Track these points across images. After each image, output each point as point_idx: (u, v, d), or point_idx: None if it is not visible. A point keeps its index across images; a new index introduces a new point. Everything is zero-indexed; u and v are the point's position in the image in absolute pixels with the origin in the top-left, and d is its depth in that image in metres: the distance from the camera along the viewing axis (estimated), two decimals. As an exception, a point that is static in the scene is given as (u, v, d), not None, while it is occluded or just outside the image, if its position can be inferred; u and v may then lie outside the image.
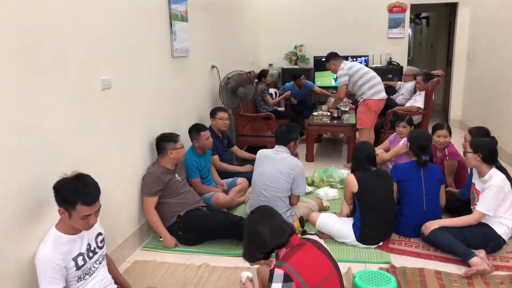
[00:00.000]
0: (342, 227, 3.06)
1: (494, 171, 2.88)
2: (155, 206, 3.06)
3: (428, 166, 3.15)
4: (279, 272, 1.82)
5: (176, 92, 3.72)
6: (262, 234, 1.93)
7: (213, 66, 4.63)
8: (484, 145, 2.92)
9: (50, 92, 2.14)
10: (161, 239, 3.13)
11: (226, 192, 3.80)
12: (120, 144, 2.83)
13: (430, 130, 3.77)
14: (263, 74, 6.03)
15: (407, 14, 6.85)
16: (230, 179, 3.98)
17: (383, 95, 4.72)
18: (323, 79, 7.00)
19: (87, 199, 1.93)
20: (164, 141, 3.16)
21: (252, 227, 1.98)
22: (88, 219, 1.98)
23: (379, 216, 2.98)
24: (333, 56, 4.89)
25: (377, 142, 5.01)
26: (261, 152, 3.42)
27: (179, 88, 3.77)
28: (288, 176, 3.18)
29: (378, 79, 4.74)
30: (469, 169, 3.46)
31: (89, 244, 2.14)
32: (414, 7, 6.92)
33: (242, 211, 3.67)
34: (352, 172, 3.14)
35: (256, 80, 5.66)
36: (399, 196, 3.19)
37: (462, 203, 3.28)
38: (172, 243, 3.06)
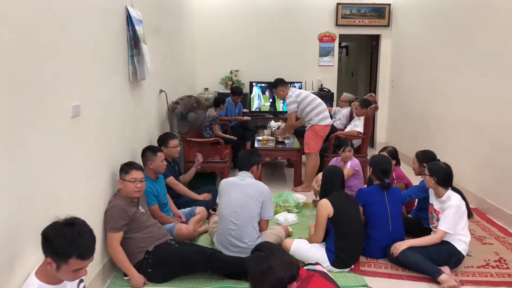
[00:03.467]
0: (315, 251, 3.07)
1: (450, 192, 3.12)
2: (120, 242, 2.82)
3: (391, 189, 3.31)
4: (296, 308, 1.77)
5: (133, 118, 3.51)
6: (276, 270, 1.87)
7: (161, 90, 4.46)
8: (439, 169, 3.15)
9: (22, 118, 1.88)
10: (126, 277, 2.88)
11: (185, 223, 3.62)
12: (86, 175, 2.58)
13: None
14: (220, 101, 5.93)
15: (336, 43, 7.29)
16: (187, 209, 3.82)
17: (329, 121, 4.93)
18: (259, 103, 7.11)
19: (83, 253, 1.69)
20: (121, 168, 2.94)
21: (264, 264, 1.90)
22: (78, 272, 1.74)
23: (352, 239, 3.05)
24: (281, 82, 5.00)
25: (321, 166, 5.18)
26: (225, 181, 3.34)
27: (134, 113, 3.57)
28: (257, 200, 3.14)
29: (324, 105, 4.94)
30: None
31: (72, 293, 1.88)
32: (341, 37, 7.37)
33: (204, 242, 3.52)
34: (321, 196, 3.20)
35: (212, 107, 5.78)
36: (365, 219, 3.30)
37: (417, 223, 3.51)
38: (140, 282, 2.82)
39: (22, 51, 1.86)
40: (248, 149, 3.42)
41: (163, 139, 3.93)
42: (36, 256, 1.94)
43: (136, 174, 2.85)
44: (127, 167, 2.88)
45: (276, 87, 5.05)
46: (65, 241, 1.66)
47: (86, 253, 1.70)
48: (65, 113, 2.28)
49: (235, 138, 5.87)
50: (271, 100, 7.14)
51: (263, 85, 7.07)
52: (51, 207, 2.11)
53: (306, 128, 4.97)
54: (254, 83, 7.08)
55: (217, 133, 5.76)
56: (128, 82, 3.37)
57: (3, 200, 1.74)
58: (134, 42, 3.37)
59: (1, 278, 1.74)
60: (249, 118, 6.57)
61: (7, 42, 1.75)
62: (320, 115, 4.85)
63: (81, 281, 1.98)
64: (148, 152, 3.40)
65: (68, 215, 1.79)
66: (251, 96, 7.11)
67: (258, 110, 7.15)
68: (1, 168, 1.72)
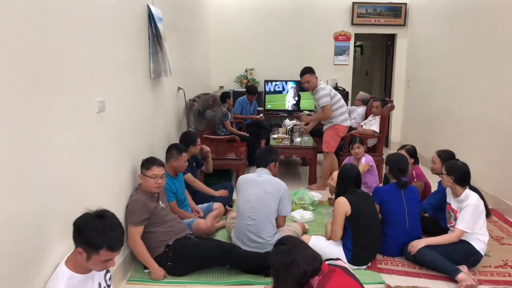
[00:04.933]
0: (333, 248, 3.09)
1: (468, 191, 3.11)
2: (141, 236, 2.87)
3: (408, 187, 3.32)
4: (318, 301, 1.79)
5: (152, 114, 3.57)
6: (300, 264, 1.90)
7: (179, 88, 4.52)
8: (457, 168, 3.15)
9: (49, 114, 1.94)
10: (146, 270, 2.94)
11: (202, 218, 3.67)
12: (109, 169, 2.64)
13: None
14: (226, 96, 5.98)
15: (352, 42, 7.28)
16: (205, 205, 3.87)
17: (349, 122, 4.97)
18: (274, 103, 7.14)
19: (113, 244, 1.76)
20: (142, 164, 2.99)
21: (287, 257, 1.94)
22: (107, 263, 1.80)
23: (370, 236, 3.07)
24: (312, 70, 4.89)
25: (336, 164, 5.19)
26: (243, 177, 3.38)
27: (154, 110, 3.63)
28: (275, 197, 3.16)
29: (346, 106, 4.97)
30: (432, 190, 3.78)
31: (99, 284, 1.94)
32: (356, 36, 7.36)
33: (221, 237, 3.57)
34: (337, 195, 3.21)
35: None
36: (382, 217, 3.31)
37: (434, 222, 3.51)
38: (161, 275, 2.87)
39: (49, 47, 1.91)
40: (266, 147, 3.45)
41: (192, 139, 3.96)
42: (63, 246, 2.00)
43: (157, 170, 2.90)
44: (148, 163, 2.93)
45: (306, 74, 4.83)
46: (96, 233, 1.72)
47: (116, 245, 1.76)
48: (91, 108, 2.34)
49: (248, 134, 5.90)
50: (296, 98, 7.16)
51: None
52: (76, 200, 2.16)
53: (326, 127, 4.97)
54: (269, 82, 7.11)
55: (229, 128, 5.81)
56: (149, 79, 3.43)
57: (32, 192, 1.80)
58: (156, 39, 3.42)
59: (32, 268, 1.79)
60: (263, 116, 6.61)
61: (35, 39, 1.81)
62: (344, 115, 4.88)
63: (107, 271, 2.03)
64: (174, 150, 3.45)
65: (100, 207, 1.84)
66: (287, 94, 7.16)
67: (293, 108, 7.18)
68: (31, 161, 1.78)
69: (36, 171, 1.82)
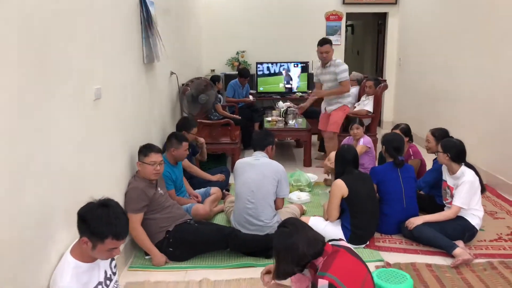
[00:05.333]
0: (331, 229, 3.13)
1: (464, 169, 3.16)
2: (141, 223, 2.88)
3: (404, 166, 3.35)
4: (323, 283, 1.82)
5: (147, 100, 3.54)
6: (300, 246, 1.92)
7: (172, 73, 4.47)
8: (452, 145, 3.18)
9: (49, 104, 1.91)
10: (147, 257, 2.96)
11: (200, 203, 3.69)
12: (107, 157, 2.63)
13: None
14: (216, 79, 5.95)
15: (343, 22, 7.24)
16: (202, 189, 3.88)
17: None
18: (267, 86, 7.11)
19: (119, 233, 1.77)
20: (140, 150, 2.97)
21: (288, 240, 1.95)
22: (112, 252, 1.81)
23: (367, 216, 3.11)
24: (332, 42, 4.80)
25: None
26: (240, 161, 3.38)
27: (149, 96, 3.59)
28: (273, 179, 3.18)
29: None
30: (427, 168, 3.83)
31: (105, 272, 1.95)
32: (348, 15, 7.31)
33: (220, 221, 3.59)
34: (336, 176, 3.24)
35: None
36: (379, 196, 3.35)
37: (430, 200, 3.56)
38: (162, 261, 2.89)
39: (45, 35, 1.87)
40: (263, 130, 3.45)
41: (188, 125, 3.96)
42: (66, 235, 2.00)
43: (155, 157, 2.89)
44: (146, 150, 2.91)
45: (327, 44, 4.69)
46: (101, 222, 1.72)
47: (121, 233, 1.77)
48: (88, 96, 2.31)
49: (239, 117, 5.89)
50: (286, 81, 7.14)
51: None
52: (77, 189, 2.16)
53: (334, 107, 4.93)
54: (260, 64, 7.05)
55: (221, 112, 5.78)
56: (143, 64, 3.39)
57: (35, 181, 1.78)
58: (147, 23, 3.37)
59: (38, 258, 1.79)
60: (255, 99, 6.57)
61: (34, 25, 1.77)
62: (351, 97, 4.87)
63: (112, 259, 2.04)
64: (174, 139, 3.45)
65: (103, 196, 1.84)
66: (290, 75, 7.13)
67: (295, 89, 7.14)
68: (31, 150, 1.76)
69: (39, 161, 1.80)
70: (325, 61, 4.76)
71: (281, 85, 7.12)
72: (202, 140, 4.25)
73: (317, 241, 1.98)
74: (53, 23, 1.93)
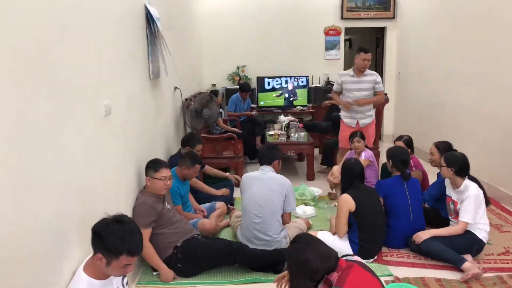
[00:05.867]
0: (340, 243, 3.12)
1: (468, 182, 3.17)
2: (149, 238, 2.86)
3: (410, 179, 3.36)
4: (338, 298, 1.81)
5: (153, 115, 3.55)
6: (312, 261, 1.92)
7: (176, 88, 4.49)
8: (456, 159, 3.19)
9: (61, 119, 1.92)
10: (155, 273, 2.93)
11: (206, 218, 3.68)
12: (116, 173, 2.62)
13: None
14: (214, 93, 5.97)
15: (342, 36, 7.31)
16: (208, 204, 3.87)
17: None
18: (268, 101, 7.14)
19: (134, 250, 1.76)
20: (148, 166, 2.97)
21: (300, 256, 1.95)
22: (127, 268, 1.80)
23: (375, 230, 3.11)
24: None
25: (333, 159, 5.23)
26: (247, 175, 3.39)
27: (154, 111, 3.61)
28: (280, 194, 3.19)
29: None
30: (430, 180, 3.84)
31: (118, 288, 1.93)
32: (346, 30, 7.40)
33: (226, 236, 3.57)
34: (343, 190, 3.24)
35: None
36: (385, 210, 3.35)
37: (435, 213, 3.56)
38: (170, 276, 2.87)
39: (55, 51, 1.88)
40: (269, 144, 3.48)
41: (192, 141, 3.97)
42: (79, 251, 1.99)
43: (165, 172, 2.90)
44: (156, 165, 2.91)
45: (369, 51, 4.52)
46: (117, 238, 1.71)
47: (136, 250, 1.76)
48: (98, 112, 2.32)
49: (241, 131, 5.91)
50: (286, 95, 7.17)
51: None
52: (89, 204, 2.15)
53: (367, 121, 4.70)
54: (261, 78, 7.10)
55: (222, 125, 5.80)
56: (149, 80, 3.40)
57: (49, 198, 1.77)
58: (154, 39, 3.39)
59: (50, 276, 1.77)
60: (256, 112, 6.61)
61: (44, 42, 1.78)
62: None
63: (124, 276, 2.02)
64: (189, 159, 3.46)
65: (118, 212, 1.83)
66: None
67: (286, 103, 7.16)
68: (45, 167, 1.75)
69: (51, 177, 1.79)
70: (363, 69, 4.52)
71: (282, 98, 7.15)
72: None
73: (330, 256, 1.97)
74: (62, 39, 1.94)
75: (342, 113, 4.77)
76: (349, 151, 4.60)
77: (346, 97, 4.63)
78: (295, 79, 7.11)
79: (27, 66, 1.63)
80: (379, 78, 4.61)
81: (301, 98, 7.15)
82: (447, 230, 3.15)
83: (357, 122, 4.67)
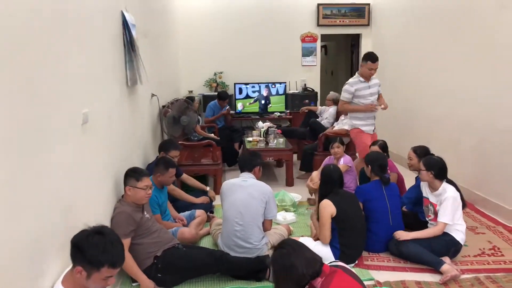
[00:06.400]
0: (321, 249, 3.11)
1: (446, 185, 3.24)
2: (128, 248, 2.80)
3: (389, 184, 3.41)
4: (323, 304, 1.81)
5: (131, 123, 3.50)
6: (298, 267, 1.92)
7: (153, 95, 4.44)
8: (434, 163, 3.26)
9: (41, 129, 1.86)
10: (135, 284, 2.87)
11: (186, 226, 3.63)
12: (95, 182, 2.56)
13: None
14: (190, 99, 5.92)
15: (318, 43, 7.40)
16: (187, 212, 3.82)
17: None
18: (246, 107, 7.14)
19: (115, 261, 1.72)
20: (128, 175, 2.91)
21: (286, 261, 1.95)
22: (107, 280, 1.75)
23: (356, 235, 3.13)
24: None
25: (311, 164, 5.26)
26: (227, 182, 3.36)
27: (132, 118, 3.55)
28: (261, 201, 3.18)
29: None
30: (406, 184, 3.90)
31: (97, 301, 1.87)
32: (323, 37, 7.48)
33: (207, 244, 3.53)
34: (322, 196, 3.25)
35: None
36: (365, 215, 3.38)
37: (413, 217, 3.62)
38: (150, 287, 2.80)
39: (35, 58, 1.83)
40: (250, 151, 3.47)
41: (166, 147, 3.90)
42: (58, 264, 1.92)
43: (147, 181, 2.86)
44: (137, 175, 2.85)
45: (378, 60, 4.37)
46: (98, 250, 1.66)
47: (117, 261, 1.72)
48: (76, 120, 2.26)
49: (219, 138, 5.88)
50: (263, 101, 7.19)
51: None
52: (67, 216, 2.09)
53: (373, 129, 4.70)
54: (238, 85, 7.10)
55: (199, 132, 5.77)
56: (126, 87, 3.35)
57: (27, 211, 1.71)
58: (130, 46, 3.35)
59: (28, 290, 1.71)
60: (229, 109, 6.53)
61: (23, 51, 1.73)
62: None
63: (104, 288, 1.97)
64: (161, 165, 3.41)
65: (98, 223, 1.78)
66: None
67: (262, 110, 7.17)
68: (22, 179, 1.69)
69: (31, 190, 1.74)
70: (370, 76, 4.44)
71: (257, 105, 7.17)
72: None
73: (315, 261, 1.98)
74: (42, 48, 1.89)
75: (359, 122, 4.57)
76: (328, 156, 4.65)
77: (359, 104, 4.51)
78: (273, 85, 7.14)
79: (6, 76, 1.58)
80: (379, 82, 4.59)
81: (278, 104, 7.18)
82: (427, 232, 3.20)
83: (374, 128, 4.63)
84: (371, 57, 4.36)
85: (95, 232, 1.73)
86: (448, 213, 3.12)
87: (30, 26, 1.79)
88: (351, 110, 4.62)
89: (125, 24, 3.29)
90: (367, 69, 4.37)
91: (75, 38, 2.31)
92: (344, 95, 4.55)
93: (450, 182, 3.33)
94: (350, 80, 4.56)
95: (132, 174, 2.86)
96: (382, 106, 4.52)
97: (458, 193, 3.24)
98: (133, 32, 3.44)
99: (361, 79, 4.46)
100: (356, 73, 4.55)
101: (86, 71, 2.46)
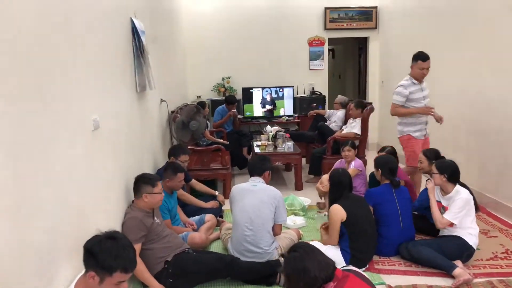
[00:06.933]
0: (331, 253, 3.07)
1: (459, 188, 3.22)
2: (139, 253, 2.81)
3: (399, 187, 3.39)
4: (335, 308, 1.80)
5: (140, 129, 3.52)
6: (311, 270, 1.91)
7: (162, 100, 4.46)
8: (447, 166, 3.25)
9: (52, 135, 1.88)
10: (145, 289, 2.87)
11: (196, 231, 3.63)
12: (105, 188, 2.58)
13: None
14: (201, 105, 5.95)
15: (326, 47, 7.39)
16: (197, 217, 3.83)
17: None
18: (253, 112, 7.16)
19: (128, 266, 1.73)
20: (143, 183, 2.92)
21: (298, 264, 1.94)
22: (120, 285, 1.76)
23: (367, 239, 3.11)
24: None
25: (320, 168, 5.26)
26: (237, 187, 3.36)
27: (141, 124, 3.57)
28: (271, 205, 3.17)
29: None
30: (417, 188, 3.88)
31: (111, 307, 1.88)
32: (330, 40, 7.48)
33: (216, 249, 3.53)
34: (332, 200, 3.24)
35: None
36: (376, 218, 3.37)
37: (424, 220, 3.59)
38: (161, 292, 2.81)
39: (45, 65, 1.86)
40: (260, 155, 3.47)
41: (176, 151, 3.94)
42: (70, 270, 1.94)
43: (161, 186, 2.93)
44: (152, 181, 2.88)
45: (429, 58, 4.15)
46: (110, 255, 1.67)
47: (130, 266, 1.73)
48: (86, 126, 2.28)
49: (228, 142, 5.89)
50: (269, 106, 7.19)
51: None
52: (77, 221, 2.11)
53: (424, 134, 4.36)
54: (246, 89, 7.12)
55: (208, 137, 5.79)
56: (136, 93, 3.37)
57: (37, 216, 1.73)
58: (140, 52, 3.37)
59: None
60: (236, 111, 6.52)
61: (33, 58, 1.75)
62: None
63: (116, 294, 1.97)
64: (170, 170, 3.43)
65: (109, 228, 1.79)
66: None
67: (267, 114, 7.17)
68: (33, 185, 1.71)
69: (42, 195, 1.75)
70: (423, 77, 4.23)
71: (265, 109, 7.18)
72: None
73: (328, 265, 1.97)
74: (52, 55, 1.92)
75: (408, 128, 4.25)
76: (339, 160, 4.63)
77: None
78: (280, 90, 7.15)
79: (15, 82, 1.60)
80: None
81: (286, 108, 7.18)
82: (435, 210, 3.23)
83: (426, 134, 4.33)
84: (421, 56, 4.10)
85: (108, 237, 1.74)
86: (454, 212, 3.11)
87: (40, 33, 1.81)
88: (404, 114, 4.23)
89: (134, 31, 3.32)
90: (418, 69, 4.10)
91: (85, 45, 2.33)
92: (397, 98, 4.21)
93: (463, 185, 3.30)
94: (403, 82, 4.23)
95: (148, 181, 2.87)
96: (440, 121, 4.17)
97: (471, 196, 3.21)
98: (143, 38, 3.47)
99: (414, 81, 4.17)
100: (408, 75, 4.26)
101: (95, 77, 2.48)
